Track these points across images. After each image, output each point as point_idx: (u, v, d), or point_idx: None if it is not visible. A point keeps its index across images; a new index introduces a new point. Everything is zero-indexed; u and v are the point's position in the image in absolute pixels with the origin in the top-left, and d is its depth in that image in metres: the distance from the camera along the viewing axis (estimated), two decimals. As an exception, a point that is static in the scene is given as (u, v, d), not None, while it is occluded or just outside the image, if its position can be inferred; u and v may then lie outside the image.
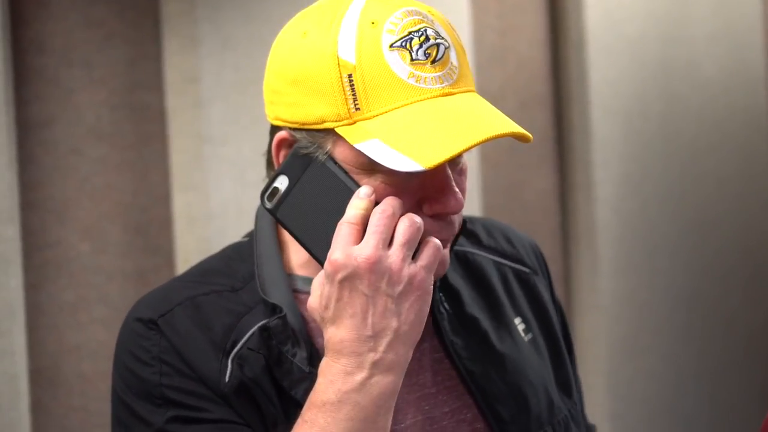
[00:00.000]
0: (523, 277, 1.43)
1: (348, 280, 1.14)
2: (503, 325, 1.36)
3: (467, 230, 1.42)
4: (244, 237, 1.37)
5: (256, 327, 1.24)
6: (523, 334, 1.38)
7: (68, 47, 2.10)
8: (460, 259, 1.38)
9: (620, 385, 3.03)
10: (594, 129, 2.95)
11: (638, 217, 3.09)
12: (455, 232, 1.24)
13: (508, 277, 1.42)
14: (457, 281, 1.35)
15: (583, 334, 2.97)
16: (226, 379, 1.23)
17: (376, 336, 1.14)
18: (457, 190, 1.20)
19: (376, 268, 1.14)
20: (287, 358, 1.23)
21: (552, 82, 2.98)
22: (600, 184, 2.97)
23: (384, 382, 1.15)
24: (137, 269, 2.16)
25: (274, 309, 1.25)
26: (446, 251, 1.23)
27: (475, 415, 1.31)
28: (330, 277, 1.16)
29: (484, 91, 2.89)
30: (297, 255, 1.29)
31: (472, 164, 2.65)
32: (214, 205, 2.18)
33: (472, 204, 2.64)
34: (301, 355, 1.22)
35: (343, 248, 1.15)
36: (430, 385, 1.30)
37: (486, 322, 1.35)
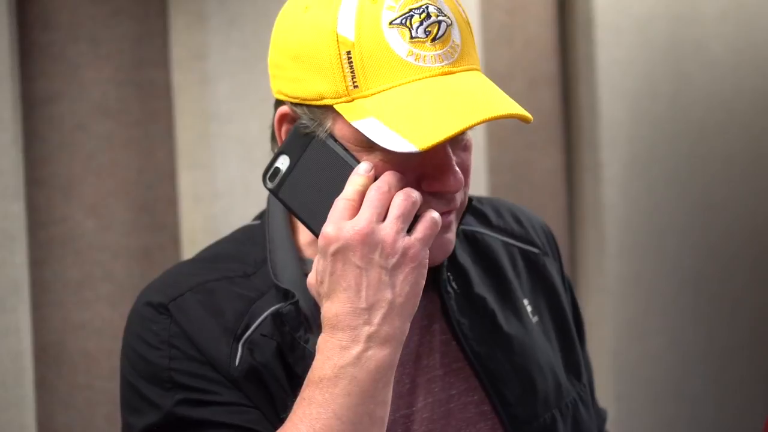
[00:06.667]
0: (532, 258, 1.42)
1: (340, 252, 1.13)
2: (511, 306, 1.36)
3: (476, 210, 1.41)
4: (255, 219, 1.36)
5: (268, 312, 1.24)
6: (531, 316, 1.38)
7: (74, 23, 2.09)
8: (468, 238, 1.37)
9: (626, 366, 3.02)
10: (601, 109, 2.93)
11: (645, 198, 3.08)
12: (456, 207, 1.23)
13: (517, 258, 1.41)
14: (466, 260, 1.34)
15: (589, 315, 2.96)
16: (236, 364, 1.22)
17: (370, 308, 1.13)
18: (457, 169, 1.19)
19: (368, 240, 1.13)
20: (300, 344, 1.22)
21: (559, 62, 2.96)
22: (607, 164, 2.96)
23: (380, 355, 1.14)
24: (142, 247, 2.16)
25: (286, 294, 1.24)
26: (450, 235, 1.22)
27: (482, 398, 1.31)
28: (323, 251, 1.15)
29: (491, 70, 2.87)
30: (305, 236, 1.28)
31: (478, 143, 2.63)
32: (220, 183, 2.18)
33: (478, 183, 2.63)
34: (313, 341, 1.20)
35: (336, 222, 1.14)
36: (438, 367, 1.29)
37: (494, 303, 1.34)
